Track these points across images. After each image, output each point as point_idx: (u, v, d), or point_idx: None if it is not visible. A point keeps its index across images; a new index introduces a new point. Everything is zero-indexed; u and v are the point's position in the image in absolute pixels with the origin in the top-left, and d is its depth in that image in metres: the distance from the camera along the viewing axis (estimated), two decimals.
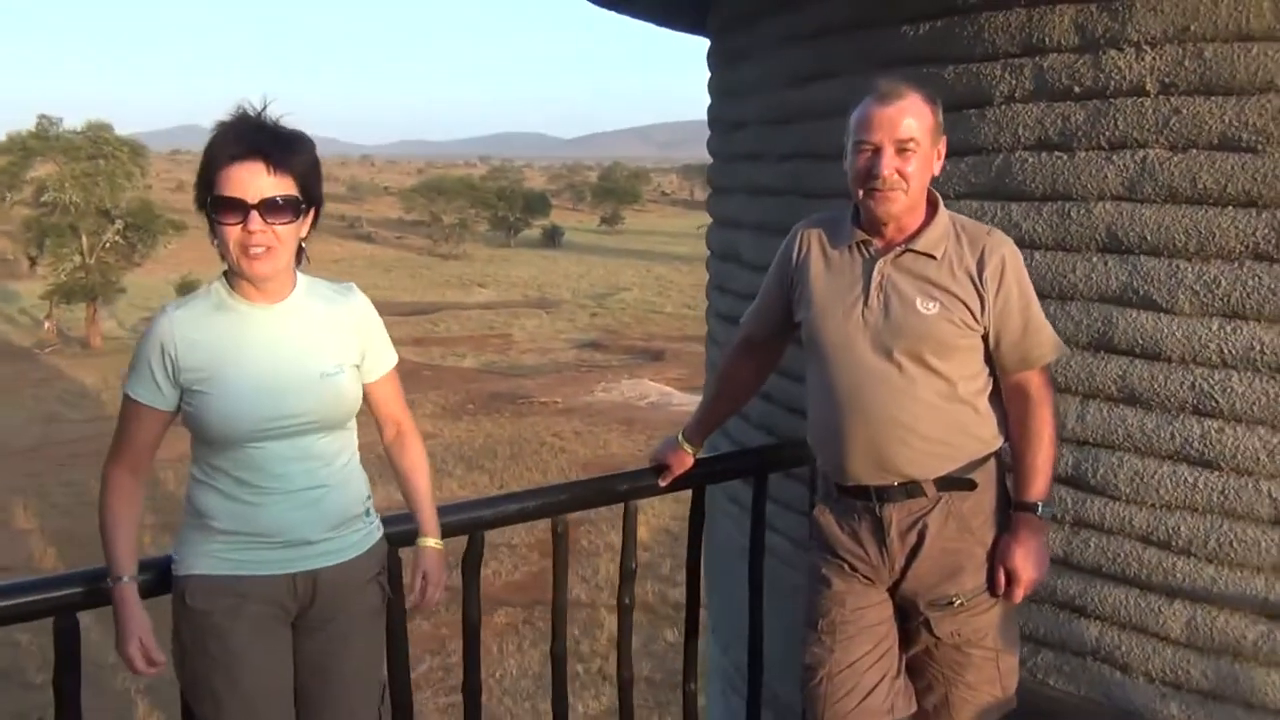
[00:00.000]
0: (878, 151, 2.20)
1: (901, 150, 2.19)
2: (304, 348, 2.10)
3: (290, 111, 2.09)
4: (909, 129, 2.19)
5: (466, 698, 2.58)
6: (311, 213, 2.11)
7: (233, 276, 2.09)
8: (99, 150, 42.35)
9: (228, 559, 2.06)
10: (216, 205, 2.01)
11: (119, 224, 41.90)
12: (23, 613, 2.02)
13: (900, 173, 2.19)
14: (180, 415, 2.09)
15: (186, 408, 2.05)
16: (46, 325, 40.66)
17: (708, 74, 5.30)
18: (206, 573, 2.06)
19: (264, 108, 2.06)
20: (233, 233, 2.00)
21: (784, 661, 3.20)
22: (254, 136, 2.02)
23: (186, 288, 42.26)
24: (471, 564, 2.54)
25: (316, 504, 2.09)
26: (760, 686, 3.06)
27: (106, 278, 40.37)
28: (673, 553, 15.00)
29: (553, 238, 76.14)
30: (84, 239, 40.84)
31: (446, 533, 2.49)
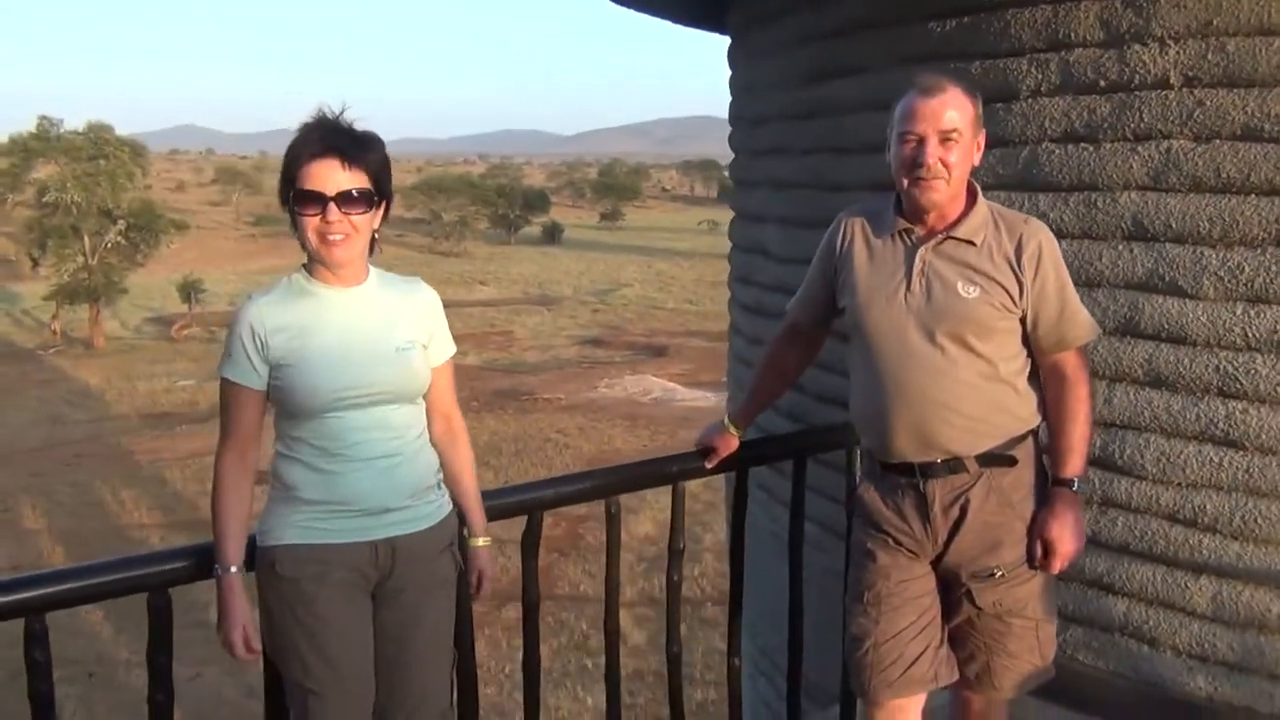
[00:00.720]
0: (922, 142, 2.29)
1: (945, 140, 2.29)
2: (379, 325, 2.24)
3: (363, 116, 2.25)
4: (952, 120, 2.29)
5: (526, 674, 2.68)
6: (383, 205, 2.24)
7: (312, 265, 2.23)
8: (100, 151, 42.41)
9: (313, 528, 2.17)
10: (299, 198, 2.15)
11: (121, 224, 41.96)
12: (117, 589, 2.12)
13: (943, 162, 2.29)
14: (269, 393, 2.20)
15: (274, 382, 2.17)
16: (53, 326, 40.77)
17: (728, 71, 5.39)
18: (294, 542, 2.17)
19: (341, 111, 2.21)
20: (312, 222, 2.15)
21: (815, 644, 3.30)
22: (331, 136, 2.17)
23: (189, 287, 42.36)
24: (530, 543, 2.64)
25: (392, 472, 2.21)
26: (800, 662, 3.16)
27: (109, 278, 40.41)
28: (688, 547, 15.08)
29: (553, 235, 76.26)
30: (86, 239, 40.90)
31: (507, 513, 2.60)
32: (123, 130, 47.21)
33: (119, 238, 42.05)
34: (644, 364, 34.23)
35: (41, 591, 2.04)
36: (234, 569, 2.16)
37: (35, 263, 47.80)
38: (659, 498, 16.57)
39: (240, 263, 60.59)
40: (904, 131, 2.32)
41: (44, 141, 43.39)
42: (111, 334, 41.38)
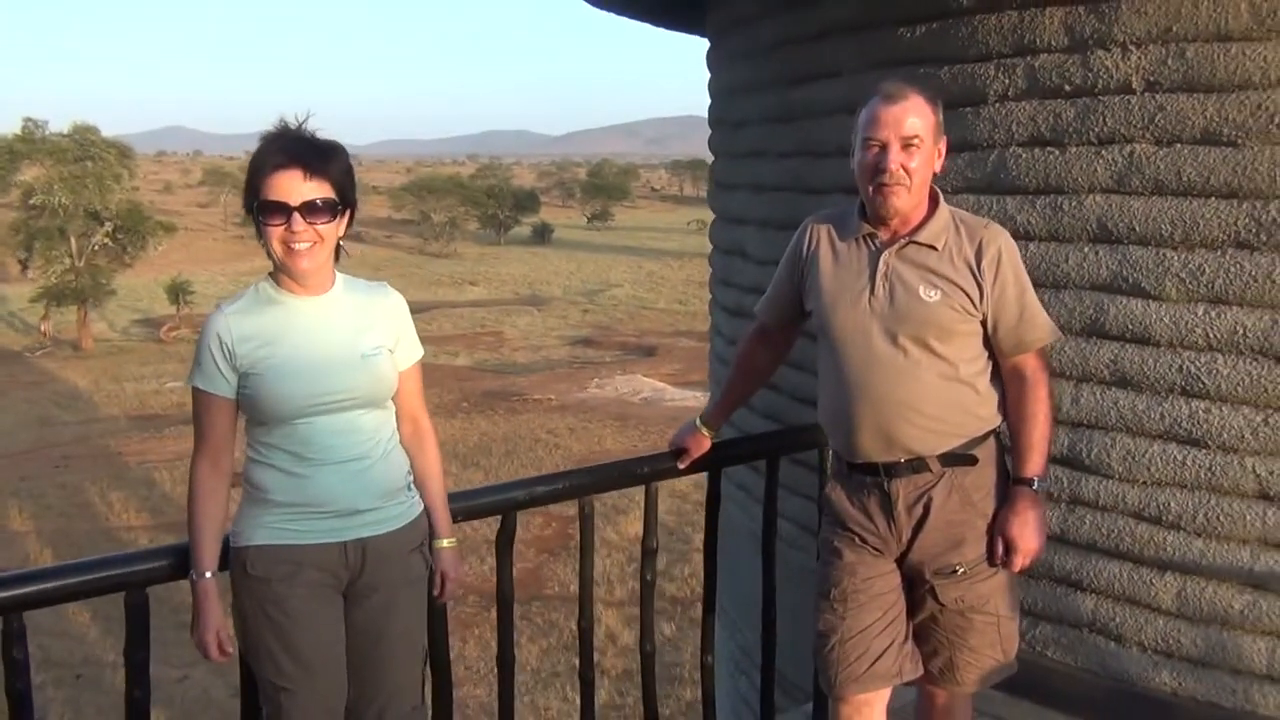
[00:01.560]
0: (884, 148, 2.34)
1: (906, 146, 2.34)
2: (346, 332, 2.28)
3: (324, 126, 2.28)
4: (913, 126, 2.34)
5: (501, 669, 2.73)
6: (347, 214, 2.28)
7: (278, 274, 2.27)
8: (86, 152, 42.30)
9: (284, 529, 2.22)
10: (263, 209, 2.19)
11: (108, 226, 41.88)
12: (96, 588, 2.16)
13: (905, 168, 2.34)
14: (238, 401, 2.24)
15: (243, 390, 2.21)
16: (43, 328, 40.68)
17: (707, 75, 5.44)
18: (265, 543, 2.22)
19: (303, 120, 2.24)
20: (277, 232, 2.19)
21: (792, 642, 3.35)
22: (294, 147, 2.22)
23: (177, 289, 42.27)
24: (504, 542, 2.69)
25: (363, 474, 2.26)
26: (774, 658, 3.21)
27: (96, 280, 40.35)
28: (667, 547, 15.17)
29: (543, 235, 76.27)
30: (73, 241, 40.81)
31: (481, 513, 2.65)
32: (109, 132, 47.11)
33: (106, 239, 41.98)
34: (634, 364, 34.29)
35: (20, 591, 2.09)
36: (208, 574, 2.21)
37: (23, 265, 47.61)
38: (641, 500, 16.49)
39: (228, 264, 60.47)
40: (867, 138, 2.37)
41: (29, 144, 43.23)
42: (99, 336, 41.30)
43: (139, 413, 29.80)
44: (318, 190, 2.18)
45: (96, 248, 41.55)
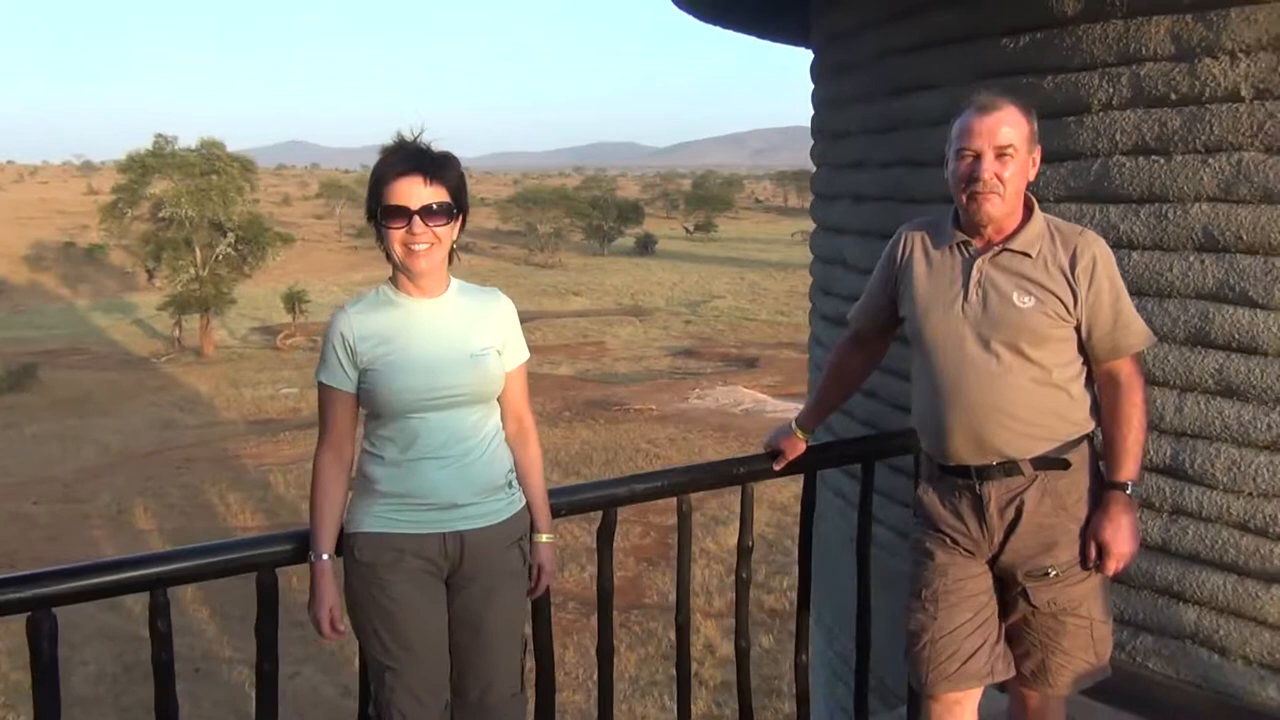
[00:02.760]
0: (978, 157, 2.39)
1: (1000, 156, 2.39)
2: (457, 333, 2.43)
3: (436, 139, 2.44)
4: (1006, 136, 2.39)
5: (600, 661, 2.84)
6: (461, 218, 2.42)
7: (397, 277, 2.43)
8: (212, 166, 44.04)
9: (389, 518, 2.38)
10: (386, 213, 2.36)
11: (230, 237, 43.55)
12: (231, 567, 2.35)
13: (999, 176, 2.39)
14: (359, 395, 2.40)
15: (363, 385, 2.38)
16: (176, 334, 42.61)
17: (811, 86, 5.50)
18: (371, 530, 2.38)
19: (420, 132, 2.42)
20: (398, 235, 2.35)
21: (888, 646, 3.39)
22: (414, 156, 2.38)
23: (294, 298, 43.74)
24: (605, 537, 2.81)
25: (466, 469, 2.40)
26: (868, 660, 3.25)
27: (218, 289, 41.99)
28: (766, 559, 15.12)
29: (646, 246, 76.69)
30: (198, 252, 42.56)
31: (583, 508, 2.78)
32: (233, 147, 48.94)
33: (228, 250, 43.64)
34: (735, 375, 34.25)
35: (163, 568, 2.28)
36: (325, 556, 2.38)
37: (150, 274, 49.83)
38: (734, 511, 16.64)
39: (342, 274, 62.33)
40: (961, 148, 2.42)
41: (160, 158, 45.12)
42: (220, 343, 42.96)
43: (256, 417, 30.93)
44: (435, 195, 2.34)
45: (219, 258, 43.25)
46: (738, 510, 3.01)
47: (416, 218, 2.32)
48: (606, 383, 33.89)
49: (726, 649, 12.58)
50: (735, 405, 29.18)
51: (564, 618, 13.81)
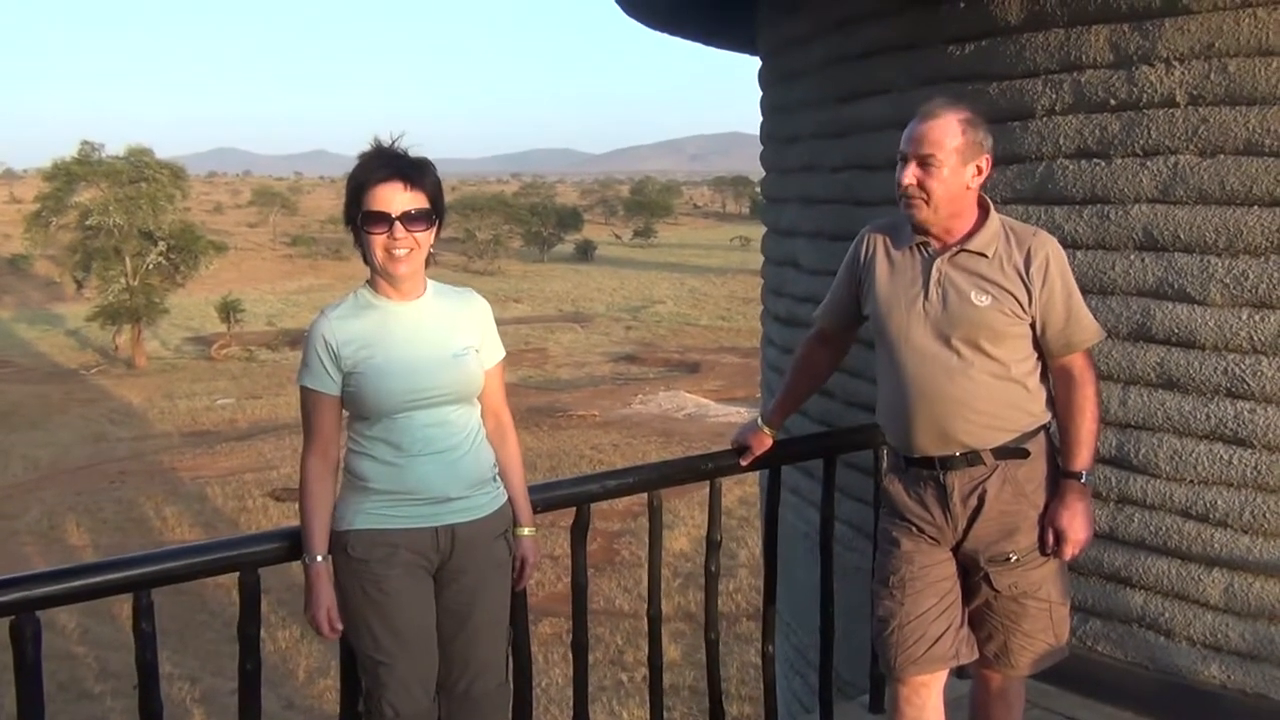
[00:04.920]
0: (904, 163, 2.50)
1: (922, 164, 2.48)
2: (437, 334, 2.47)
3: (418, 143, 2.48)
4: (930, 145, 2.47)
5: (575, 653, 2.90)
6: (438, 223, 2.46)
7: (375, 281, 2.46)
8: (140, 174, 43.22)
9: (382, 515, 2.42)
10: (366, 219, 2.39)
11: (161, 246, 42.75)
12: (214, 568, 2.36)
13: (921, 184, 2.48)
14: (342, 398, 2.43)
15: (347, 389, 2.41)
16: (116, 343, 41.66)
17: (759, 92, 5.61)
18: (364, 527, 2.41)
19: (397, 138, 2.45)
20: (380, 240, 2.39)
21: (845, 640, 3.49)
22: (393, 162, 2.42)
23: (228, 307, 43.04)
24: (579, 531, 2.88)
25: (454, 465, 2.45)
26: (832, 650, 3.35)
27: (150, 299, 41.20)
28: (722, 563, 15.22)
29: (586, 252, 76.73)
30: (128, 261, 41.71)
31: (557, 505, 2.83)
32: (162, 154, 48.12)
33: (159, 259, 42.83)
34: (677, 380, 34.44)
35: (147, 569, 2.29)
36: (320, 558, 2.40)
37: (79, 284, 48.71)
38: (693, 514, 16.64)
39: (277, 282, 61.44)
40: (899, 152, 2.53)
41: (86, 166, 44.19)
42: (152, 354, 42.13)
43: (191, 429, 30.41)
44: (415, 201, 2.38)
45: (150, 267, 42.43)
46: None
47: (398, 223, 2.36)
48: (549, 389, 33.87)
49: (672, 653, 12.64)
50: (678, 410, 29.35)
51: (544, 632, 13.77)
